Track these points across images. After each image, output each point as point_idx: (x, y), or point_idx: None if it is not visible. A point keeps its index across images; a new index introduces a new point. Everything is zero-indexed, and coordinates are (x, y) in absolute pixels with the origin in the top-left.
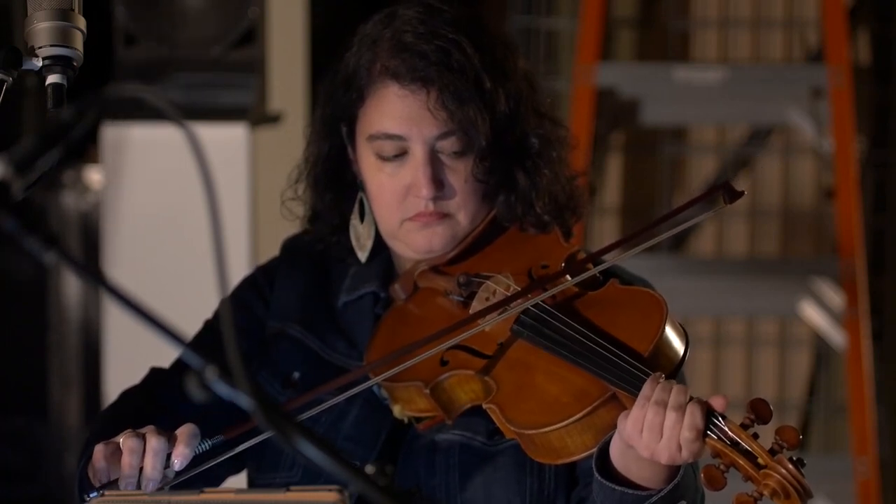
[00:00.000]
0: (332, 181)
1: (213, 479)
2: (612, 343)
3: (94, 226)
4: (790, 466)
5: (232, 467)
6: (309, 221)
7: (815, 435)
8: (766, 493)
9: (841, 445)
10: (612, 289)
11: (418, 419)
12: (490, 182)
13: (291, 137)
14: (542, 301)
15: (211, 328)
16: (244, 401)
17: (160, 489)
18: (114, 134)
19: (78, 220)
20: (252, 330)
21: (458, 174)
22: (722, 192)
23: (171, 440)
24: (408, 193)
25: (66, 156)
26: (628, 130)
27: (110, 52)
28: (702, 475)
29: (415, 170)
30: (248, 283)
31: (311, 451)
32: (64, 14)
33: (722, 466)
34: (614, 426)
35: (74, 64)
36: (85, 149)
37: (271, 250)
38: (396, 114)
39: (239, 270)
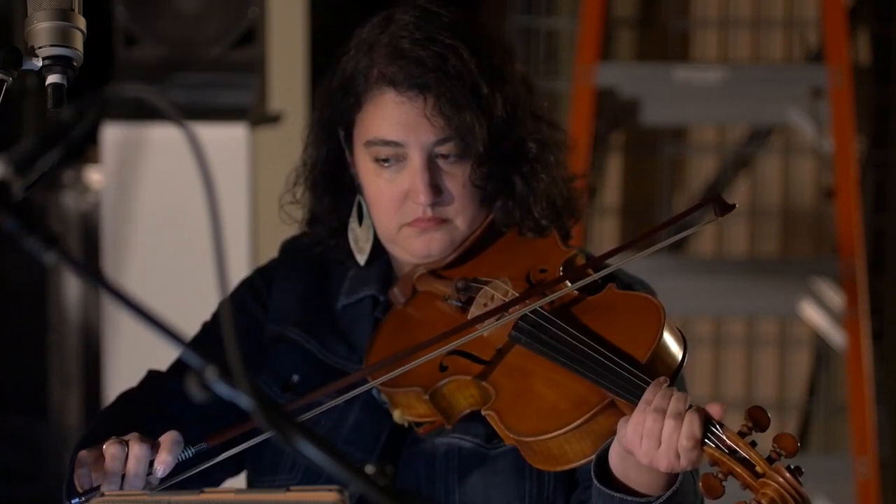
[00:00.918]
0: (331, 184)
1: (211, 482)
2: (609, 349)
3: (94, 226)
4: (787, 475)
5: (230, 470)
6: (307, 225)
7: (815, 435)
8: (763, 501)
9: (841, 445)
10: (610, 294)
11: (418, 424)
12: (488, 187)
13: (291, 137)
14: (540, 307)
15: (208, 331)
16: (244, 401)
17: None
18: (114, 134)
19: (78, 220)
20: (250, 332)
21: (456, 179)
22: (713, 204)
23: (155, 447)
24: (406, 199)
25: (66, 156)
26: (628, 130)
27: (110, 52)
28: (700, 484)
29: (412, 176)
30: (246, 285)
31: (311, 451)
32: (64, 14)
33: (720, 475)
34: (613, 433)
35: (74, 64)
36: (85, 149)
37: (271, 251)
38: (394, 120)
39: (239, 271)
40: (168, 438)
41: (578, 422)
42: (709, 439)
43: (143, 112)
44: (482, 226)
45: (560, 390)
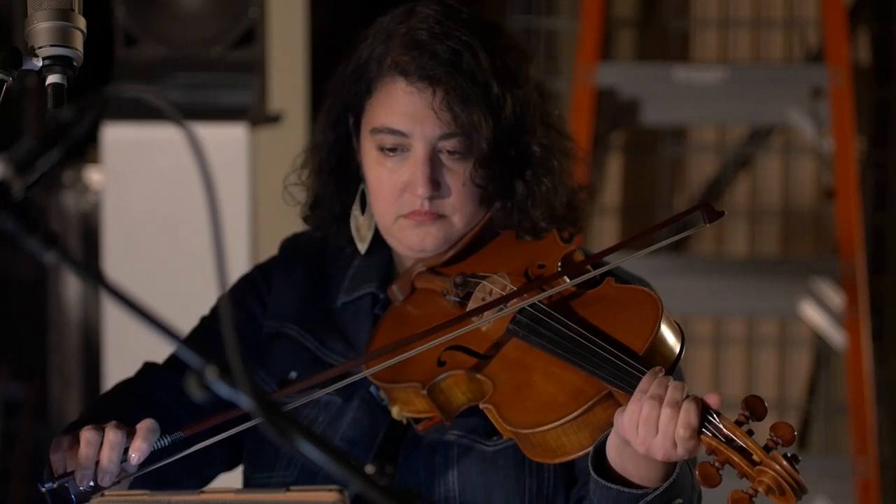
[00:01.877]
0: (336, 170)
1: (205, 476)
2: (607, 341)
3: (94, 226)
4: (784, 463)
5: (223, 464)
6: (310, 208)
7: (815, 435)
8: (760, 489)
9: (841, 445)
10: (608, 287)
11: (416, 420)
12: (488, 188)
13: (291, 137)
14: (538, 300)
15: (207, 326)
16: (244, 401)
17: (117, 482)
18: (114, 134)
19: (78, 220)
20: (249, 329)
21: (457, 176)
22: (701, 211)
23: (131, 434)
24: (405, 190)
25: (66, 156)
26: (628, 130)
27: (110, 52)
28: (697, 472)
29: (414, 168)
30: (246, 282)
31: (311, 451)
32: (64, 14)
33: (717, 463)
34: (610, 425)
35: (74, 64)
36: (85, 149)
37: (271, 250)
38: (401, 110)
39: (239, 270)
40: (143, 426)
41: (576, 413)
42: (706, 428)
43: (143, 112)
44: (480, 223)
45: (558, 382)
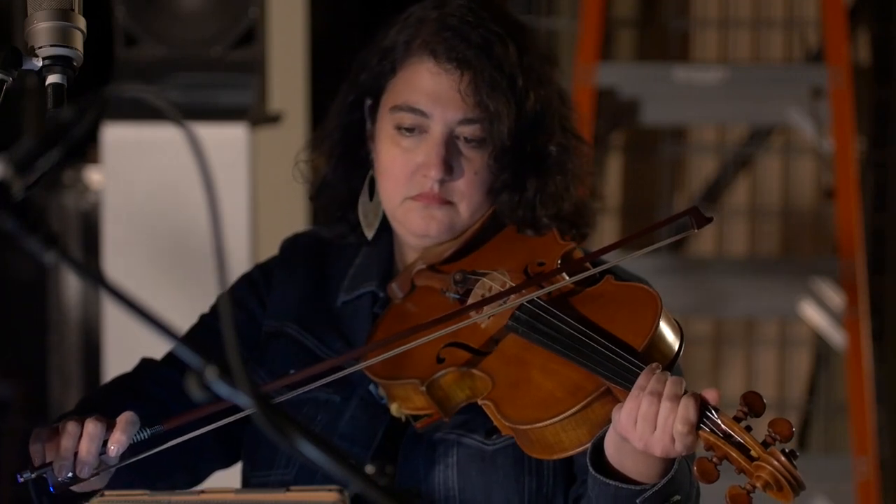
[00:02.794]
0: (347, 154)
1: (200, 472)
2: (606, 338)
3: (94, 226)
4: (782, 458)
5: (218, 460)
6: (317, 190)
7: (815, 435)
8: (758, 485)
9: (841, 445)
10: (608, 285)
11: (415, 417)
12: (499, 180)
13: (291, 137)
14: (538, 297)
15: (207, 324)
16: (244, 400)
17: (95, 474)
18: (114, 134)
19: (78, 220)
20: (249, 328)
21: (471, 164)
22: (690, 216)
23: (111, 427)
24: (417, 172)
25: (66, 156)
26: (628, 130)
27: (110, 52)
28: (695, 468)
29: (429, 149)
30: (246, 281)
31: (310, 450)
32: (64, 14)
33: (715, 459)
34: (609, 421)
35: (74, 64)
36: (85, 149)
37: (271, 250)
38: (426, 90)
39: (239, 270)
40: (123, 419)
41: (574, 409)
42: (704, 424)
43: (143, 112)
44: (483, 218)
45: (556, 378)
